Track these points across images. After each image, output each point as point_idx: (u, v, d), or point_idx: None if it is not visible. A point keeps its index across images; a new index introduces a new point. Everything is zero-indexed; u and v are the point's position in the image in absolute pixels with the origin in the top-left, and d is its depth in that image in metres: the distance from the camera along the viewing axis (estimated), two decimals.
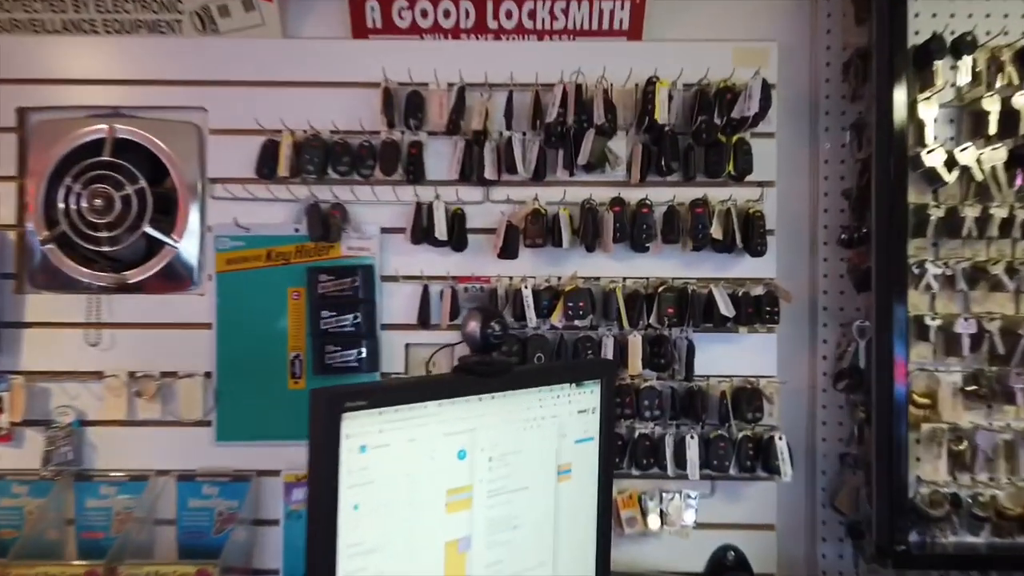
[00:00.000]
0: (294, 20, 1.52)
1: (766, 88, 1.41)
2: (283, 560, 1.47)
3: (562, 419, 1.13)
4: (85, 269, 1.51)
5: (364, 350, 1.48)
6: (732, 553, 1.49)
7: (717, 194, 1.48)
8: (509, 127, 1.48)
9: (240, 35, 1.50)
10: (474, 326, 1.02)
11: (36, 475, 1.47)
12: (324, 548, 0.90)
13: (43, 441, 1.46)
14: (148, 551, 1.43)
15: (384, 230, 1.51)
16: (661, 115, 1.43)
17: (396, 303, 1.51)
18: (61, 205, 1.48)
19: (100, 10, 1.49)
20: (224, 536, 1.45)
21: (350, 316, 1.48)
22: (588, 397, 1.17)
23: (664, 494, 1.48)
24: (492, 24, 1.50)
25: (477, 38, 1.52)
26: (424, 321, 1.50)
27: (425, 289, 1.50)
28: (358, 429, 0.93)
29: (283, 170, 1.48)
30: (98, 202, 1.47)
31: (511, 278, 1.49)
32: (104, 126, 1.50)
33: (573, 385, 1.14)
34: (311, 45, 1.51)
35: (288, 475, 1.47)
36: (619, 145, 1.49)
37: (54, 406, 1.48)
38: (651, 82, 1.46)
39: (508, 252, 1.46)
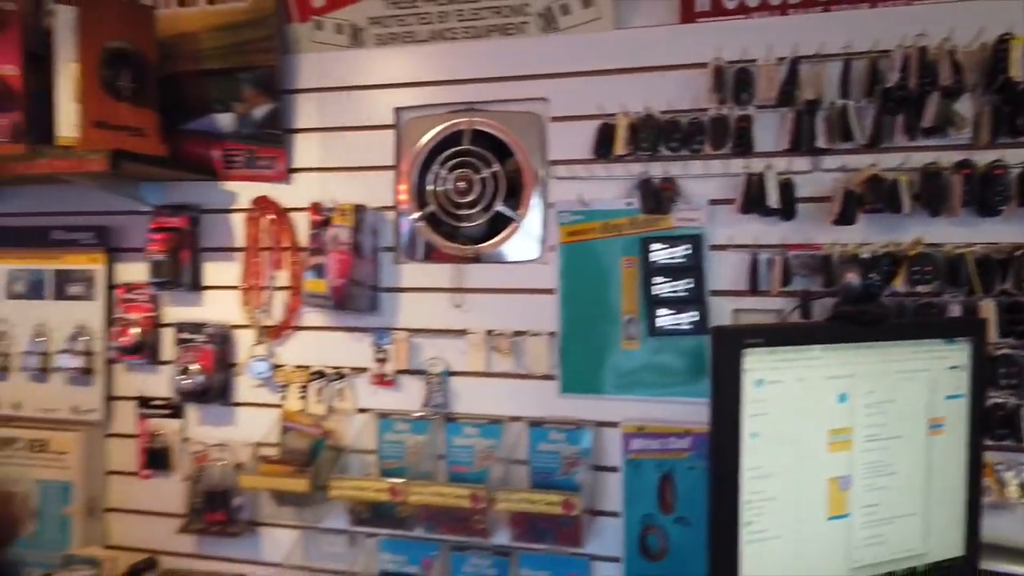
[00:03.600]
0: (626, 12, 1.66)
1: None
2: (623, 504, 1.61)
3: (933, 373, 1.15)
4: (447, 242, 1.75)
5: (696, 314, 1.58)
6: None
7: None
8: (844, 96, 1.50)
9: (578, 30, 1.67)
10: (853, 277, 1.07)
11: (415, 415, 1.73)
12: (728, 469, 1.00)
13: (422, 387, 1.72)
14: (508, 485, 1.63)
15: (712, 202, 1.60)
16: (1018, 71, 1.38)
17: (724, 271, 1.59)
18: (430, 187, 1.74)
19: (460, 19, 1.73)
20: (569, 477, 1.62)
21: (682, 282, 1.59)
22: (958, 354, 1.17)
23: (1022, 466, 1.42)
24: None
25: (805, 11, 1.56)
26: (753, 287, 1.56)
27: (754, 257, 1.56)
28: (755, 365, 1.02)
29: (619, 149, 1.62)
30: (461, 184, 1.71)
31: (844, 245, 1.51)
32: (463, 119, 1.73)
33: (944, 341, 1.15)
34: (642, 33, 1.64)
35: (627, 426, 1.60)
36: (962, 107, 1.46)
37: (426, 358, 1.74)
38: (1003, 39, 1.41)
39: (845, 218, 1.48)
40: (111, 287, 1.95)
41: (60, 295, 1.97)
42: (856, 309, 1.10)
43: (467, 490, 1.53)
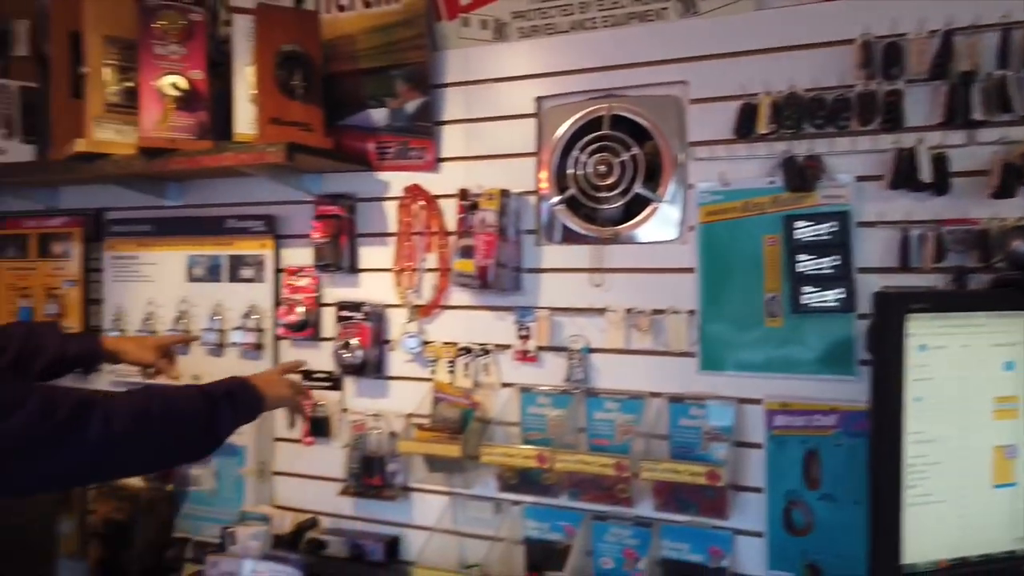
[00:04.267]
0: None
1: None
2: (766, 480, 1.63)
3: None
4: (587, 224, 1.82)
5: (843, 291, 1.57)
6: None
7: None
8: (1003, 66, 1.46)
9: (719, 13, 1.70)
10: (1021, 244, 1.06)
11: (556, 390, 1.82)
12: (890, 432, 1.02)
13: (563, 363, 1.80)
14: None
15: (859, 178, 1.59)
16: None
17: (872, 247, 1.58)
18: (569, 172, 1.81)
19: (600, 8, 1.79)
20: (710, 453, 1.65)
21: (827, 259, 1.59)
22: None
23: None
24: None
25: None
26: (904, 264, 1.54)
27: (904, 233, 1.54)
28: (919, 330, 1.03)
29: (762, 128, 1.64)
30: (601, 168, 1.77)
31: (1003, 219, 1.47)
32: (603, 105, 1.80)
33: None
34: (785, 13, 1.65)
35: (770, 403, 1.62)
36: None
37: (567, 335, 1.82)
38: None
39: (1004, 191, 1.45)
40: (278, 270, 2.14)
41: (234, 278, 2.18)
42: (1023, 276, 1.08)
43: (611, 459, 1.59)
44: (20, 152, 2.18)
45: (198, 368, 2.19)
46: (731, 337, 1.67)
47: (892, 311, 1.03)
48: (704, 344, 1.70)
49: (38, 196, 2.40)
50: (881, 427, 1.02)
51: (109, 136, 1.92)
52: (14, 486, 1.09)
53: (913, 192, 1.54)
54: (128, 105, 1.95)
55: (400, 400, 2.00)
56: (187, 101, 1.86)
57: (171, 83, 1.81)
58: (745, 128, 1.67)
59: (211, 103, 1.94)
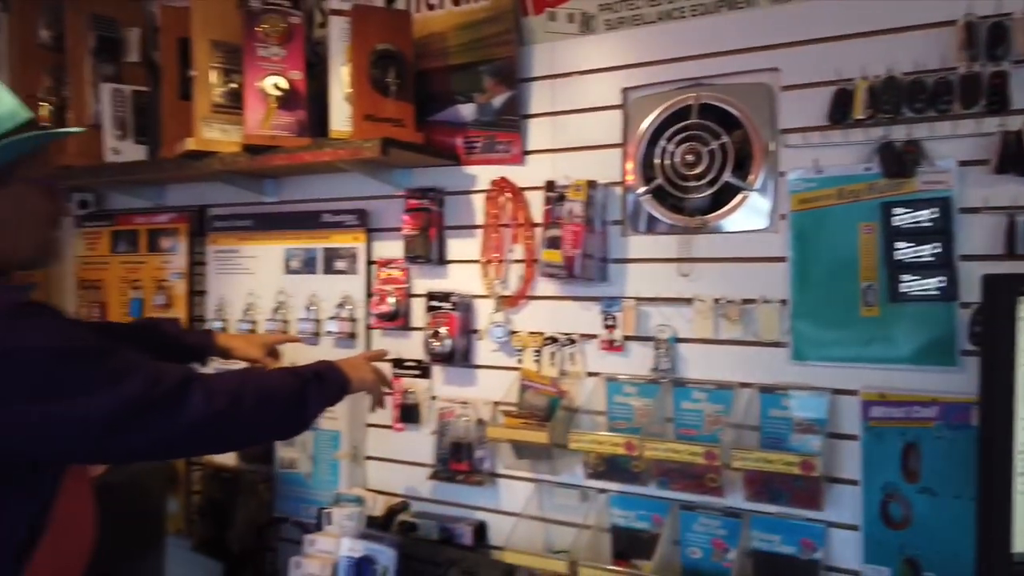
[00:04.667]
0: None
1: None
2: (862, 472, 1.60)
3: None
4: (673, 214, 1.82)
5: (944, 279, 1.53)
6: None
7: None
8: None
9: None
10: None
11: (643, 379, 1.83)
12: (1002, 416, 0.99)
13: (649, 353, 1.81)
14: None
15: (961, 163, 1.54)
16: None
17: (975, 234, 1.53)
18: (656, 162, 1.82)
19: None
20: (803, 444, 1.63)
21: (927, 247, 1.55)
22: None
23: None
24: None
25: None
26: (1010, 251, 1.49)
27: (1011, 219, 1.49)
28: None
29: (857, 114, 1.61)
30: (689, 157, 1.77)
31: None
32: (691, 95, 1.79)
33: None
34: None
35: (866, 394, 1.59)
36: None
37: (653, 325, 1.82)
38: None
39: None
40: (370, 262, 2.22)
41: (328, 270, 2.27)
42: None
43: (701, 447, 1.59)
44: (133, 152, 2.33)
45: (295, 356, 2.29)
46: (825, 327, 1.65)
47: (1002, 294, 1.01)
48: (796, 334, 1.68)
49: (147, 194, 2.56)
50: (992, 411, 1.00)
51: (215, 135, 2.03)
52: (115, 451, 1.18)
53: (1020, 176, 1.49)
54: (232, 105, 2.06)
55: (487, 388, 2.05)
56: (287, 100, 1.95)
57: (273, 83, 1.91)
58: (840, 114, 1.64)
59: (308, 102, 2.02)
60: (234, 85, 2.03)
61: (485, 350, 2.06)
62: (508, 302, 2.01)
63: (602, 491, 1.89)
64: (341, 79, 1.99)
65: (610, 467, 1.80)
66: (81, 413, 1.07)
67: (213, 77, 2.01)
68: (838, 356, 1.64)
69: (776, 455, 1.53)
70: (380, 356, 1.83)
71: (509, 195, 2.00)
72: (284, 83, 1.92)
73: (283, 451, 2.29)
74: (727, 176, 1.75)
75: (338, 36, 2.00)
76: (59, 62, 2.45)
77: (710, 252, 1.79)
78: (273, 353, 1.84)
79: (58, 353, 1.07)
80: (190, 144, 1.99)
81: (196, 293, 2.53)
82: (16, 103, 1.15)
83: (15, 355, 1.05)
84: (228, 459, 2.41)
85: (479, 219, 2.06)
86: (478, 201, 2.07)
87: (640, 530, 1.83)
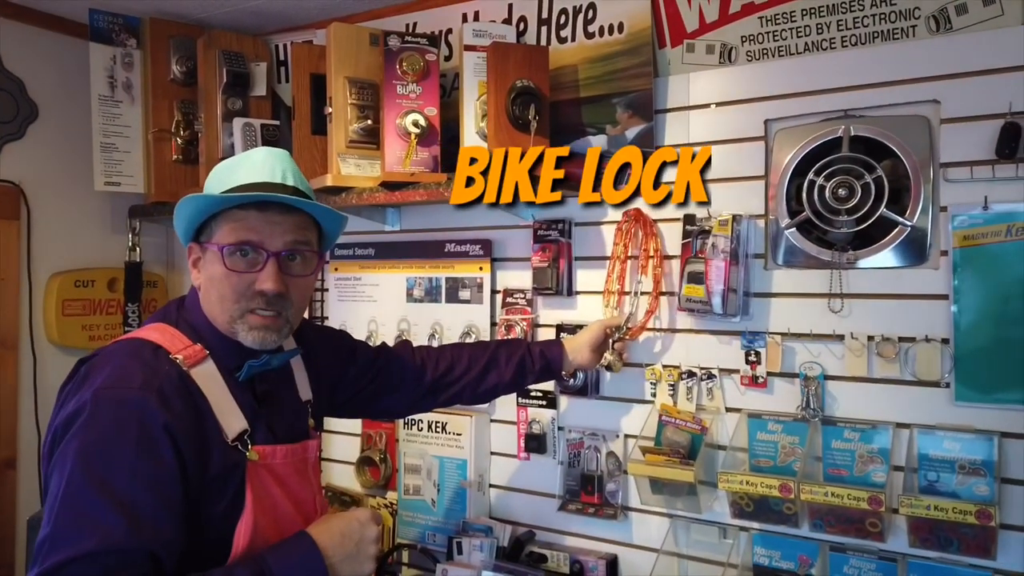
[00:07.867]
0: None
1: None
2: None
3: None
4: (820, 248, 1.78)
5: None
6: None
7: None
8: None
9: (976, 29, 1.62)
10: None
11: (788, 416, 1.79)
12: None
13: (793, 390, 1.77)
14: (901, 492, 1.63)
15: None
16: None
17: None
18: (804, 194, 1.78)
19: (840, 28, 1.75)
20: (968, 487, 1.58)
21: None
22: None
23: None
24: None
25: None
26: None
27: None
28: None
29: None
30: (842, 192, 1.73)
31: None
32: (840, 126, 1.75)
33: None
34: None
35: None
36: None
37: (799, 362, 1.79)
38: None
39: None
40: (494, 292, 2.24)
41: (451, 299, 2.29)
42: None
43: (865, 492, 1.55)
44: None
45: None
46: (992, 368, 1.59)
47: None
48: (959, 374, 1.63)
49: None
50: None
51: (351, 170, 2.07)
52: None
53: None
54: (365, 141, 2.10)
55: (615, 420, 2.04)
56: (423, 137, 1.97)
57: (413, 121, 1.94)
58: (1008, 148, 1.58)
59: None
60: (368, 121, 2.06)
61: (614, 382, 2.05)
62: (634, 333, 1.99)
63: (743, 529, 1.86)
64: (475, 114, 2.00)
65: (759, 507, 1.77)
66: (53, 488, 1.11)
67: (349, 113, 2.05)
68: (1007, 399, 1.58)
69: (949, 503, 1.49)
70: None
71: (640, 227, 1.99)
72: (423, 120, 1.95)
73: (407, 478, 2.32)
74: (883, 210, 1.70)
75: (472, 71, 2.01)
76: (188, 96, 2.53)
77: (861, 287, 1.75)
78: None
79: (65, 431, 1.14)
80: (330, 179, 2.03)
81: (318, 319, 2.58)
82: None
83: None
84: (351, 483, 2.45)
85: (607, 250, 2.05)
86: (607, 232, 2.06)
87: (785, 570, 1.80)
